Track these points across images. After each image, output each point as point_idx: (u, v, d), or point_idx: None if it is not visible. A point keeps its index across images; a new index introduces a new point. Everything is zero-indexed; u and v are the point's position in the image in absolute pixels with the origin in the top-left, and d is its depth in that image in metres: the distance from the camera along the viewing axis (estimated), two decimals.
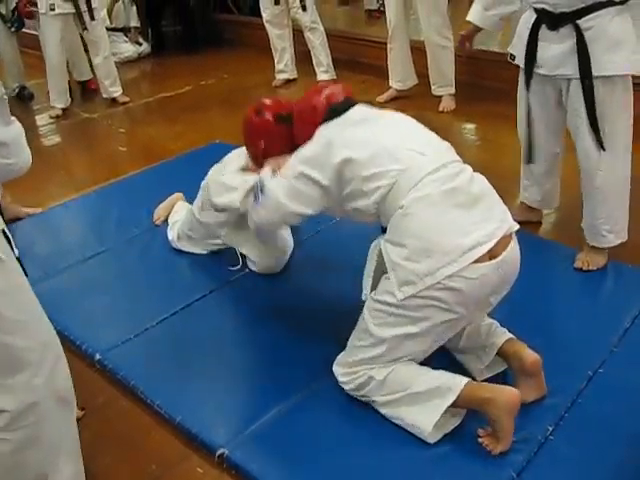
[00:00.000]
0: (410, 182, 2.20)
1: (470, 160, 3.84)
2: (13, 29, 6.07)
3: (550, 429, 2.26)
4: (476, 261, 2.11)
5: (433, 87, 5.28)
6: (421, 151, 2.28)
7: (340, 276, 3.04)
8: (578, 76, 2.83)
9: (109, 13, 7.42)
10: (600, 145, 2.88)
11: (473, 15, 3.39)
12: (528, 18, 2.95)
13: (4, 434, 1.78)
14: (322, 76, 6.10)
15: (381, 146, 2.28)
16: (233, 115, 5.45)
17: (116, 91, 6.12)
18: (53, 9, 5.59)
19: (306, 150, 2.42)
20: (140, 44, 7.76)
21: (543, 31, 2.89)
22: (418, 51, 5.29)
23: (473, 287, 2.14)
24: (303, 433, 2.34)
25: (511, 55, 3.12)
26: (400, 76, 5.45)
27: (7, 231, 1.78)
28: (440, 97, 5.27)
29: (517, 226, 2.28)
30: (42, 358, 1.82)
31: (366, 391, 2.35)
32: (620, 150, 2.95)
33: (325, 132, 2.41)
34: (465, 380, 2.22)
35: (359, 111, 2.48)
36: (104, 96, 6.17)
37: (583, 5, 2.74)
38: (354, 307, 2.43)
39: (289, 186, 2.42)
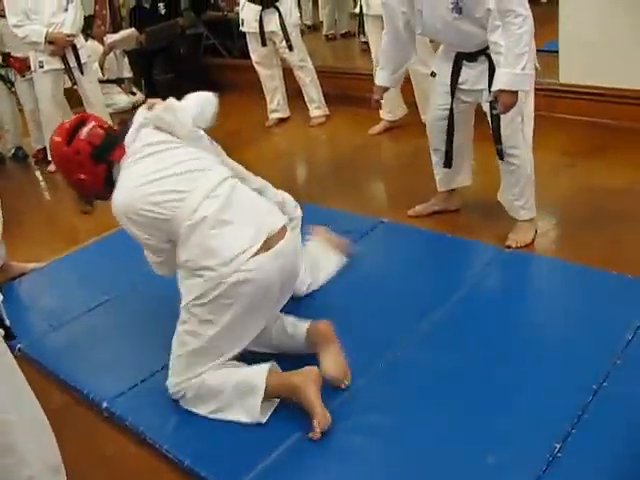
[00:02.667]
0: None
1: (465, 186, 3.93)
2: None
3: (557, 446, 2.25)
4: (254, 255, 2.46)
5: (421, 114, 5.33)
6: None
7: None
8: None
9: (101, 66, 7.52)
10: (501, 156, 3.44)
11: (383, 80, 3.77)
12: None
13: None
14: (315, 112, 6.17)
15: None
16: (230, 157, 5.53)
17: None
18: (42, 66, 5.70)
19: None
20: (134, 94, 7.85)
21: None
22: (406, 80, 5.34)
23: (257, 276, 2.46)
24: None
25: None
26: (389, 107, 5.49)
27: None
28: None
29: (284, 220, 2.67)
30: (32, 433, 1.88)
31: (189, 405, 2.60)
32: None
33: None
34: (264, 373, 2.47)
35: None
36: None
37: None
38: None
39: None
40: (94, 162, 2.71)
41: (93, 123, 2.77)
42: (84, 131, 2.73)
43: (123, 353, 3.12)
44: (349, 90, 6.50)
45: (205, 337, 2.55)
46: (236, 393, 2.51)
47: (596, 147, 4.63)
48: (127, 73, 7.87)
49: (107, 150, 2.71)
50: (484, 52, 3.33)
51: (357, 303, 3.17)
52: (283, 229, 2.62)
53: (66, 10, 5.63)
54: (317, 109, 6.18)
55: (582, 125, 4.87)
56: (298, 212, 3.23)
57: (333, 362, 2.61)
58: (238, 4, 6.76)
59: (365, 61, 6.12)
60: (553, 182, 3.70)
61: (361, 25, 5.48)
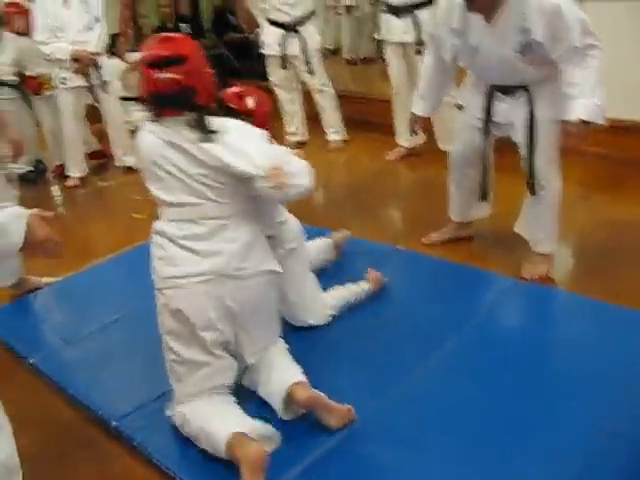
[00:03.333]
0: None
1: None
2: None
3: None
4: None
5: (439, 143, 5.34)
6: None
7: None
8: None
9: (123, 83, 7.58)
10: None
11: (423, 110, 3.82)
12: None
13: None
14: (333, 136, 6.20)
15: None
16: None
17: (129, 160, 6.24)
18: (64, 83, 5.77)
19: None
20: None
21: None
22: None
23: (184, 295, 2.54)
24: None
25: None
26: (407, 134, 5.51)
27: None
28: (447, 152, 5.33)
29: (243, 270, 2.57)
30: None
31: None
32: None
33: None
34: (224, 439, 2.40)
35: None
36: (117, 164, 6.29)
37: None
38: None
39: None
40: None
41: None
42: None
43: (135, 371, 3.13)
44: (368, 115, 6.53)
45: (168, 360, 2.69)
46: (208, 444, 2.50)
47: (613, 180, 4.63)
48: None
49: None
50: (522, 86, 3.33)
51: (371, 331, 3.18)
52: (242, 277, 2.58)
53: (91, 29, 5.72)
54: (335, 133, 6.21)
55: (599, 157, 4.87)
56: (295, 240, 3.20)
57: (329, 418, 2.59)
58: (259, 26, 6.84)
59: (385, 86, 6.14)
60: (569, 214, 3.69)
61: (380, 51, 5.48)
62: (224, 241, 2.56)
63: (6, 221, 1.86)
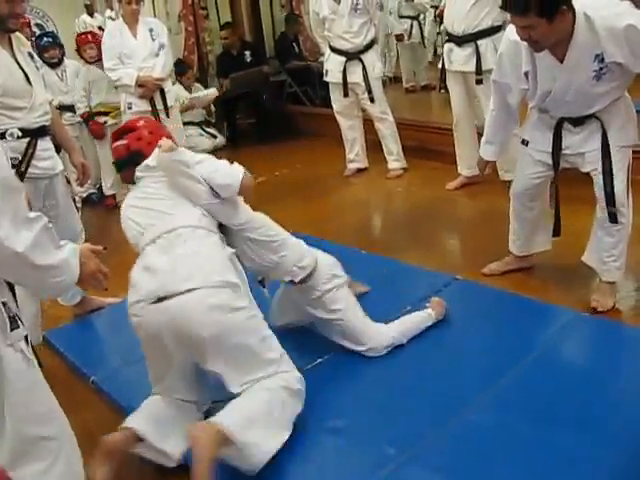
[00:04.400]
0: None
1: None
2: None
3: None
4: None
5: (500, 172, 5.30)
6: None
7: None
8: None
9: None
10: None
11: (490, 154, 3.79)
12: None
13: None
14: (393, 164, 6.22)
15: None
16: (308, 205, 5.61)
17: None
18: (130, 107, 5.90)
19: None
20: (215, 137, 8.05)
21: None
22: None
23: (141, 322, 2.64)
24: None
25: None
26: (468, 162, 5.51)
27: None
28: (509, 182, 5.28)
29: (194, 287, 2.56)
30: (61, 447, 1.97)
31: None
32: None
33: None
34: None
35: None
36: None
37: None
38: None
39: None
40: None
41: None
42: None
43: None
44: (428, 143, 6.53)
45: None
46: None
47: None
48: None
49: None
50: (593, 115, 3.28)
51: (426, 361, 3.15)
52: (192, 291, 2.58)
53: (157, 55, 5.85)
54: (395, 161, 6.22)
55: None
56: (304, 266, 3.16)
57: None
58: (321, 54, 6.92)
59: (445, 115, 6.14)
60: (636, 245, 3.61)
61: (443, 80, 5.49)
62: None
63: (68, 256, 1.94)
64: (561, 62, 3.10)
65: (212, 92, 7.97)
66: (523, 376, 2.98)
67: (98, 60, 6.11)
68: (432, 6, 9.86)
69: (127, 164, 3.03)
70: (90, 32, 6.33)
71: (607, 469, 2.42)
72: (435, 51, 10.95)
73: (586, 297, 3.53)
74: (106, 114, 6.34)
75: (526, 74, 3.25)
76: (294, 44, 9.06)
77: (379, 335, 3.21)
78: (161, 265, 2.65)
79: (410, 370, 3.08)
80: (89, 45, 6.20)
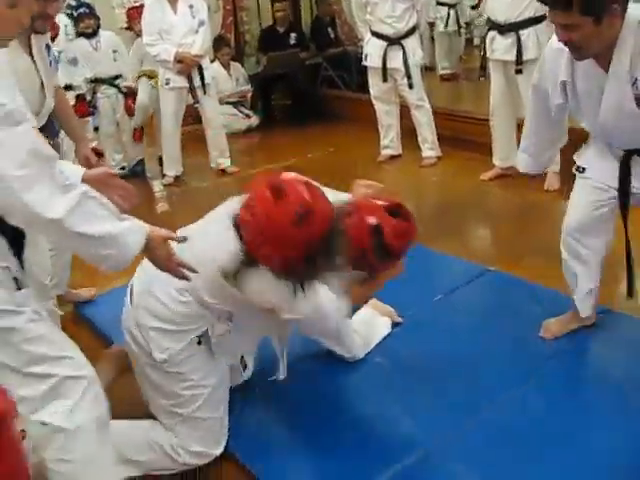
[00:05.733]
0: None
1: None
2: None
3: None
4: None
5: None
6: None
7: None
8: None
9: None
10: None
11: (526, 165, 3.29)
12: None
13: (65, 455, 2.02)
14: (427, 152, 6.18)
15: None
16: (339, 188, 5.56)
17: (224, 162, 6.37)
18: (168, 83, 5.96)
19: None
20: (250, 117, 8.05)
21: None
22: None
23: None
24: None
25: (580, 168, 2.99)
26: (503, 154, 5.47)
27: None
28: (545, 175, 5.25)
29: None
30: (88, 388, 2.05)
31: None
32: None
33: None
34: None
35: None
36: (212, 166, 6.42)
37: None
38: None
39: None
40: None
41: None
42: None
43: None
44: (463, 133, 6.48)
45: None
46: None
47: None
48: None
49: None
50: None
51: (455, 352, 3.13)
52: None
53: (196, 32, 5.87)
54: (430, 150, 6.18)
55: None
56: None
57: None
58: (359, 38, 6.89)
59: (480, 105, 6.08)
60: None
61: (483, 68, 5.44)
62: None
63: (122, 231, 1.94)
64: (606, 72, 2.58)
65: (247, 88, 8.12)
66: (553, 370, 2.98)
67: None
68: None
69: None
70: (137, 6, 6.32)
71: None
72: (471, 41, 10.90)
73: (621, 295, 3.47)
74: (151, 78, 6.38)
75: (564, 84, 2.75)
76: (330, 28, 9.02)
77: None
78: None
79: (438, 361, 3.06)
80: (138, 19, 6.17)
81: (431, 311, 3.50)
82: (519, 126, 5.28)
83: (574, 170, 3.02)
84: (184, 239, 2.15)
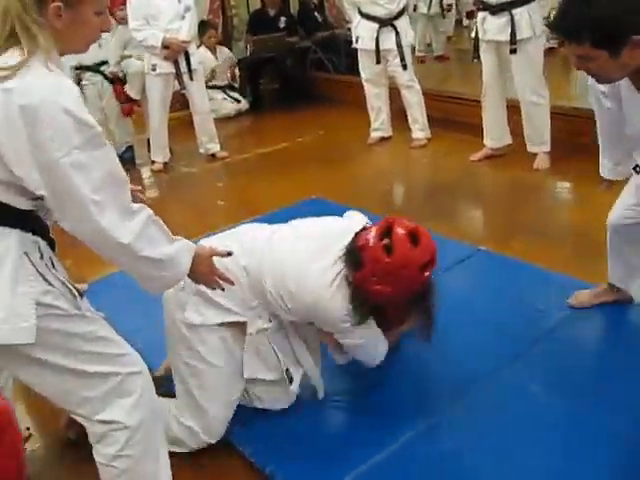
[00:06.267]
0: None
1: (563, 220, 3.76)
2: None
3: None
4: None
5: (528, 145, 5.27)
6: None
7: None
8: None
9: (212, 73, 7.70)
10: None
11: (608, 172, 2.99)
12: None
13: (127, 450, 2.02)
14: (418, 134, 6.17)
15: None
16: (330, 172, 5.60)
17: (214, 147, 6.35)
18: (154, 69, 5.91)
19: None
20: (239, 101, 8.02)
21: None
22: (515, 109, 5.29)
23: None
24: None
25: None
26: (493, 134, 5.47)
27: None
28: (535, 155, 5.25)
29: None
30: (145, 383, 2.07)
31: None
32: None
33: None
34: None
35: None
36: (201, 151, 6.40)
37: None
38: None
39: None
40: None
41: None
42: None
43: None
44: (453, 115, 6.48)
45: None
46: None
47: None
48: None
49: None
50: None
51: (447, 332, 3.05)
52: None
53: (183, 18, 5.83)
54: (420, 131, 6.17)
55: None
56: None
57: None
58: (347, 21, 6.85)
59: (471, 86, 6.07)
60: None
61: (476, 49, 5.41)
62: None
63: (177, 252, 1.97)
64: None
65: (231, 61, 8.12)
66: (543, 350, 2.98)
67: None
68: None
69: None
70: None
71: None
72: (460, 21, 10.89)
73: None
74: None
75: (604, 94, 2.64)
76: (316, 12, 8.98)
77: None
78: None
79: (433, 341, 3.05)
80: (119, 7, 6.07)
81: None
82: (509, 106, 5.35)
83: (631, 168, 2.83)
84: (229, 254, 2.22)
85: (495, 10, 5.06)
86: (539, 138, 5.21)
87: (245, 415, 2.69)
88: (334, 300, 2.44)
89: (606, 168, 2.98)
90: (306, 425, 2.67)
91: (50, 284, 1.85)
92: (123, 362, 2.02)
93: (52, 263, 1.91)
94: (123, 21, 6.05)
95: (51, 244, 1.94)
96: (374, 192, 5.25)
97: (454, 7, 10.31)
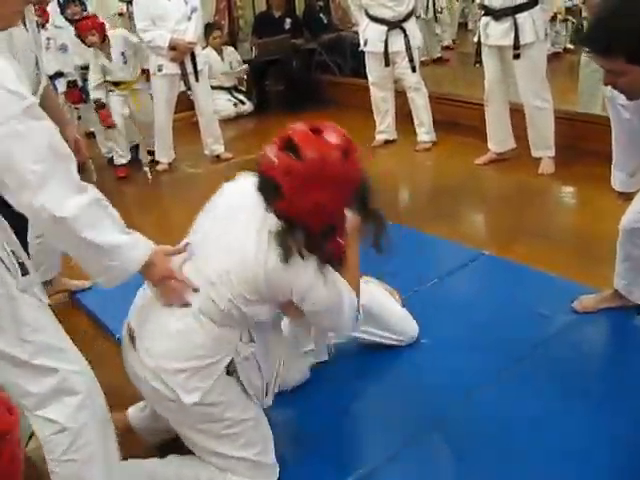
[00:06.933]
0: None
1: (567, 224, 3.77)
2: None
3: None
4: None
5: (532, 149, 5.27)
6: None
7: None
8: None
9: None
10: None
11: (621, 184, 2.98)
12: None
13: (70, 455, 1.97)
14: (423, 137, 6.17)
15: None
16: None
17: (218, 149, 6.37)
18: (160, 70, 5.93)
19: None
20: (244, 103, 8.04)
21: None
22: (519, 113, 5.30)
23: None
24: None
25: None
26: (497, 138, 5.48)
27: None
28: (539, 160, 5.25)
29: None
30: (90, 384, 2.02)
31: None
32: None
33: None
34: None
35: None
36: (206, 153, 6.41)
37: None
38: None
39: None
40: None
41: None
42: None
43: None
44: (458, 118, 6.48)
45: None
46: None
47: None
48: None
49: None
50: None
51: (450, 336, 3.13)
52: None
53: (189, 19, 5.85)
54: (426, 134, 6.17)
55: None
56: None
57: None
58: (352, 23, 6.84)
59: (475, 90, 6.07)
60: None
61: (478, 54, 5.41)
62: None
63: (126, 245, 1.92)
64: None
65: (243, 69, 8.14)
66: (546, 354, 2.99)
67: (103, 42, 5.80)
68: None
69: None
70: (92, 16, 5.93)
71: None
72: (466, 25, 10.91)
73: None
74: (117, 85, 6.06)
75: (623, 106, 2.63)
76: (322, 14, 8.99)
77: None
78: None
79: (434, 345, 3.07)
80: (90, 32, 5.74)
81: (426, 295, 3.50)
82: (513, 111, 5.36)
83: None
84: (184, 249, 2.14)
85: (499, 15, 5.06)
86: (543, 143, 5.21)
87: None
88: (270, 260, 2.06)
89: (618, 180, 2.93)
90: (311, 428, 2.68)
91: None
92: (68, 358, 1.97)
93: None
94: (94, 46, 5.80)
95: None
96: (378, 194, 5.24)
97: (460, 11, 10.38)
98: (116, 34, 5.97)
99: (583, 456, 2.41)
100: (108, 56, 5.86)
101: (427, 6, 9.32)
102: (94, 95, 5.98)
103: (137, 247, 1.95)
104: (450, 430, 2.60)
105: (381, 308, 2.93)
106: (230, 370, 2.23)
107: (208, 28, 7.52)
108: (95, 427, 2.00)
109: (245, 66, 8.16)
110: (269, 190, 2.04)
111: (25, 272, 1.91)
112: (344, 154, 2.01)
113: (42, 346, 1.90)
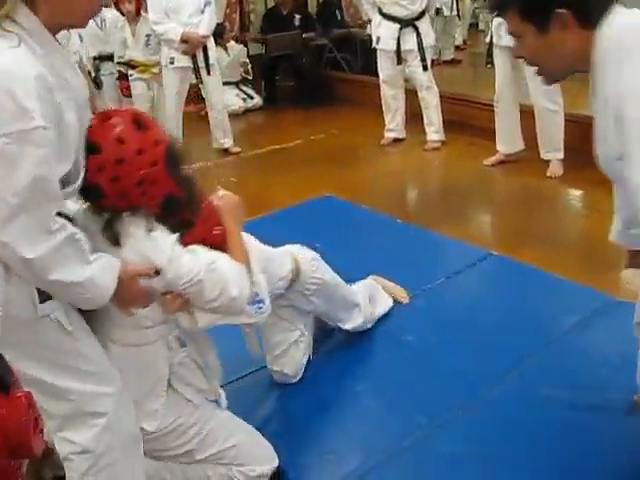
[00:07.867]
0: None
1: (575, 228, 3.76)
2: None
3: None
4: None
5: (541, 151, 5.27)
6: None
7: None
8: None
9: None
10: None
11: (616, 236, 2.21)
12: None
13: (90, 477, 1.88)
14: (432, 136, 6.16)
15: None
16: (343, 171, 5.61)
17: (227, 142, 6.38)
18: (172, 62, 5.94)
19: None
20: (252, 97, 8.05)
21: None
22: (528, 115, 5.31)
23: None
24: None
25: None
26: (506, 139, 5.47)
27: None
28: (548, 162, 5.26)
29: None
30: (118, 404, 1.92)
31: None
32: None
33: None
34: None
35: None
36: (214, 146, 6.42)
37: None
38: None
39: None
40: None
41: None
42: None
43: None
44: (467, 118, 6.48)
45: None
46: None
47: None
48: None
49: None
50: None
51: (458, 335, 3.13)
52: None
53: (202, 12, 5.87)
54: (435, 133, 6.16)
55: None
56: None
57: None
58: (363, 20, 6.84)
59: (485, 90, 6.07)
60: None
61: (490, 55, 5.41)
62: None
63: (96, 273, 1.76)
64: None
65: (243, 60, 8.18)
66: (551, 355, 2.99)
67: (137, 15, 6.10)
68: None
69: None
70: None
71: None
72: (476, 25, 10.89)
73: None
74: (134, 67, 6.26)
75: None
76: (337, 10, 9.00)
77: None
78: None
79: (442, 343, 3.08)
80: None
81: (433, 294, 3.51)
82: (522, 112, 5.36)
83: None
84: (157, 273, 1.90)
85: None
86: (553, 145, 5.21)
87: (250, 418, 2.70)
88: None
89: (620, 235, 2.17)
90: (311, 428, 2.68)
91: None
92: (93, 379, 1.87)
93: None
94: (129, 15, 6.06)
95: None
96: (385, 192, 5.28)
97: (471, 11, 10.37)
98: (148, 18, 6.03)
99: (585, 457, 2.41)
100: (133, 32, 5.92)
101: (451, 5, 9.26)
102: (117, 68, 6.15)
103: (106, 272, 1.79)
104: (453, 427, 2.61)
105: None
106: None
107: (217, 28, 7.51)
108: (120, 447, 1.92)
109: (243, 50, 8.22)
110: (94, 195, 1.91)
111: (44, 298, 1.75)
112: (137, 126, 1.89)
113: (67, 369, 1.83)
